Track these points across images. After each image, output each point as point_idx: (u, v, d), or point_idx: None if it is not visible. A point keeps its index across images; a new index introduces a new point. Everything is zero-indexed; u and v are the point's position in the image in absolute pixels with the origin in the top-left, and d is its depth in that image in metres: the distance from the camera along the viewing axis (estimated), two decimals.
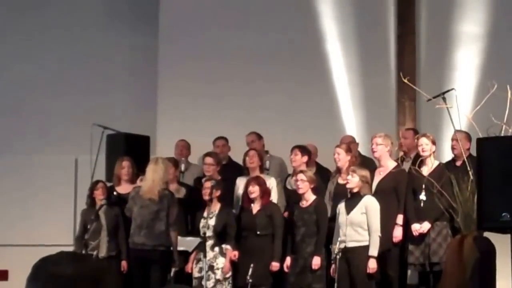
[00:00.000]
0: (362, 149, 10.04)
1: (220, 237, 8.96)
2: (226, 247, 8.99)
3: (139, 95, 12.01)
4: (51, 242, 9.21)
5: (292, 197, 9.22)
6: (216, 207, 9.03)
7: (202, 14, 11.60)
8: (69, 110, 11.92)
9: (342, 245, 8.29)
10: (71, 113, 11.86)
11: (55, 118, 11.97)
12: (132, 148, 10.05)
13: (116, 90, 12.09)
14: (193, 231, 9.07)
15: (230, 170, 9.89)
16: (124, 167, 9.46)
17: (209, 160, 9.55)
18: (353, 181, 8.47)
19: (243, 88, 11.27)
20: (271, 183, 9.28)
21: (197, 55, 11.48)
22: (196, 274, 8.95)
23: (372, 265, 8.32)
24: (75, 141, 11.09)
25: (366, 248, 8.36)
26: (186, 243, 8.63)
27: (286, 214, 9.18)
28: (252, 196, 8.98)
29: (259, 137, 10.23)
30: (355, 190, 8.50)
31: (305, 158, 9.29)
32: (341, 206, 8.54)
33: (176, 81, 11.53)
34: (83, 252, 8.98)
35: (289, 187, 9.40)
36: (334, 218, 8.75)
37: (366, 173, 8.56)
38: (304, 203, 8.81)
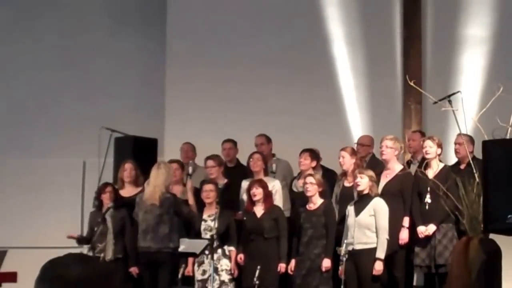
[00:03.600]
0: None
1: (223, 239, 9.02)
2: (230, 248, 9.04)
3: (147, 98, 12.05)
4: (59, 244, 9.24)
5: (298, 199, 9.25)
6: (217, 209, 9.08)
7: (209, 18, 11.64)
8: (77, 113, 11.97)
9: (350, 247, 8.32)
10: (79, 116, 11.90)
11: (63, 121, 12.02)
12: (140, 151, 10.08)
13: (124, 93, 12.13)
14: (192, 233, 9.09)
15: (237, 173, 9.92)
16: (126, 169, 9.48)
17: (210, 163, 9.60)
18: (362, 182, 8.50)
19: (250, 91, 11.30)
20: (276, 185, 9.31)
21: (205, 58, 11.52)
22: (199, 277, 8.98)
23: (378, 267, 8.34)
24: (83, 144, 11.13)
25: (373, 250, 8.37)
26: (193, 245, 8.66)
27: None
28: (255, 198, 9.01)
29: (268, 140, 10.24)
30: (365, 192, 8.52)
31: (314, 163, 9.31)
32: (350, 209, 8.56)
33: (184, 84, 11.57)
34: (90, 254, 9.05)
35: (295, 189, 9.42)
36: (341, 221, 8.80)
37: (371, 172, 8.62)
38: (312, 206, 8.84)
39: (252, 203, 9.06)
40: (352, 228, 8.44)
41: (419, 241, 8.52)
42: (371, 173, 8.58)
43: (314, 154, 9.36)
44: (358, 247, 8.38)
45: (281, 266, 8.86)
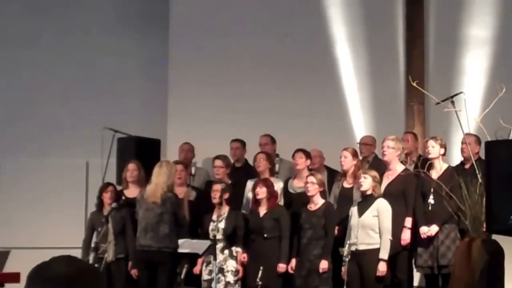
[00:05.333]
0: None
1: (230, 239, 9.02)
2: (237, 249, 9.04)
3: (150, 98, 12.05)
4: (62, 245, 9.25)
5: (295, 200, 9.25)
6: (225, 210, 9.08)
7: (212, 19, 11.65)
8: (80, 113, 11.96)
9: (353, 248, 8.32)
10: (82, 117, 11.90)
11: (66, 121, 12.02)
12: (142, 152, 10.08)
13: (127, 94, 12.13)
14: (201, 233, 9.12)
15: (245, 173, 9.92)
16: (129, 169, 9.49)
17: (218, 162, 9.60)
18: (366, 182, 8.49)
19: (253, 92, 11.31)
20: (281, 186, 9.31)
21: (207, 59, 11.52)
22: (205, 276, 8.98)
23: (382, 268, 8.35)
24: (86, 144, 11.13)
25: (377, 251, 8.38)
26: (195, 245, 8.66)
27: None
28: (259, 197, 9.01)
29: (273, 140, 10.25)
30: (368, 192, 8.52)
31: (308, 161, 9.32)
32: (354, 209, 8.57)
33: (187, 84, 11.58)
34: (93, 254, 9.06)
35: (292, 190, 9.39)
36: (340, 221, 8.81)
37: (375, 173, 8.62)
38: (313, 206, 8.83)
39: (257, 202, 9.07)
40: (356, 229, 8.44)
41: (422, 242, 8.52)
42: (374, 173, 8.58)
43: (307, 153, 9.37)
44: (361, 247, 8.38)
45: (280, 267, 8.86)
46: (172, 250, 8.61)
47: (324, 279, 8.62)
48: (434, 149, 8.65)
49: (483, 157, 8.24)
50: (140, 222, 8.77)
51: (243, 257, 9.00)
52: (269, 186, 9.04)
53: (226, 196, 9.04)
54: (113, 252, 9.02)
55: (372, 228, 8.41)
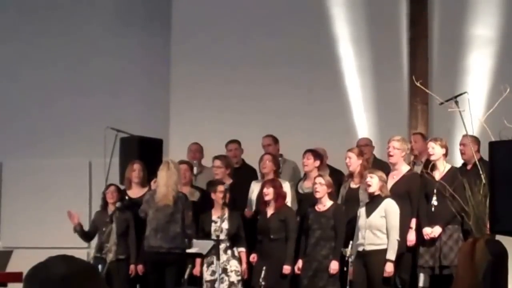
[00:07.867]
0: (375, 152, 10.04)
1: (233, 240, 9.00)
2: (240, 249, 9.03)
3: (152, 98, 12.05)
4: (65, 245, 9.25)
5: (304, 201, 9.23)
6: (225, 210, 9.06)
7: (214, 17, 11.64)
8: (83, 113, 11.97)
9: (361, 248, 8.31)
10: (84, 116, 11.91)
11: (68, 121, 12.02)
12: (145, 151, 10.08)
13: (129, 93, 12.13)
14: (202, 233, 9.10)
15: (243, 173, 9.90)
16: (135, 170, 9.50)
17: (217, 163, 9.58)
18: (373, 182, 8.46)
19: (256, 91, 11.29)
20: (286, 187, 9.29)
21: (210, 58, 11.51)
22: (208, 277, 8.97)
23: (389, 269, 8.32)
24: (88, 144, 11.13)
25: (384, 251, 8.37)
26: (198, 245, 8.65)
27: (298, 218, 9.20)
28: (266, 198, 8.98)
29: (275, 140, 10.22)
30: (376, 193, 8.49)
31: (317, 163, 9.30)
32: (362, 210, 8.54)
33: (189, 83, 11.57)
34: (98, 254, 9.08)
35: (300, 191, 9.39)
36: (347, 222, 8.78)
37: (381, 173, 8.59)
38: (321, 207, 8.81)
39: (265, 203, 9.04)
40: (363, 229, 8.42)
41: (424, 242, 8.51)
42: (380, 173, 8.55)
43: (316, 154, 9.35)
44: (368, 248, 8.37)
45: (285, 268, 8.84)
46: (181, 251, 8.61)
47: (331, 280, 8.60)
48: (434, 150, 8.64)
49: (484, 157, 8.23)
50: (151, 222, 8.77)
51: (253, 257, 8.98)
52: (277, 187, 9.01)
53: (228, 196, 9.04)
54: (114, 252, 9.02)
55: (380, 229, 8.39)
